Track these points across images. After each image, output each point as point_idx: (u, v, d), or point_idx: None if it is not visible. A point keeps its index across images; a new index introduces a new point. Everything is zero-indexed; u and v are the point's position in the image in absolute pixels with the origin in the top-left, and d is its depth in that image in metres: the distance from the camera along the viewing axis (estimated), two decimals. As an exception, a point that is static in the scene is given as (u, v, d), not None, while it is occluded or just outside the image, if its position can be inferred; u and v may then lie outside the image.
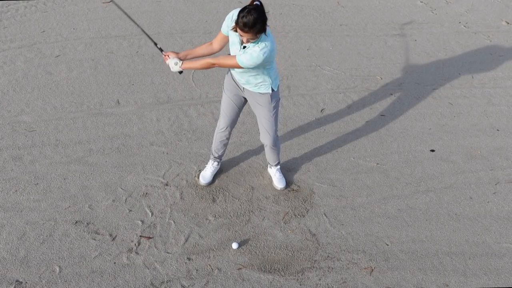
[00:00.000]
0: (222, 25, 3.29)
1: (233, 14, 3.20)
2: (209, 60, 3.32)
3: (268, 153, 3.90)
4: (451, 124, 4.85)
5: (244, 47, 3.21)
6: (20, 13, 6.07)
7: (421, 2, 6.96)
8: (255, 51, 3.11)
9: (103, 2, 6.40)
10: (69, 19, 6.02)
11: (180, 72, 3.49)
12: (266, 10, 3.10)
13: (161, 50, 3.52)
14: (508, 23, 6.55)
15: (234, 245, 3.55)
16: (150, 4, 6.44)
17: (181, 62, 3.42)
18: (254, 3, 3.07)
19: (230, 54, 3.31)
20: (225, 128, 3.78)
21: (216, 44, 3.43)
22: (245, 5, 3.11)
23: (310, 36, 5.98)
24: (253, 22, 2.98)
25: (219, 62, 3.28)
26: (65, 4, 6.33)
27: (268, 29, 3.13)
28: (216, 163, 4.02)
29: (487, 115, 4.98)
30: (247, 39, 3.08)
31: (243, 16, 3.00)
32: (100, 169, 4.10)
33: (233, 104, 3.64)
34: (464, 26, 6.46)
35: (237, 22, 3.04)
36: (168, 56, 3.44)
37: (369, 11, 6.66)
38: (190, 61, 3.42)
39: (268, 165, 4.09)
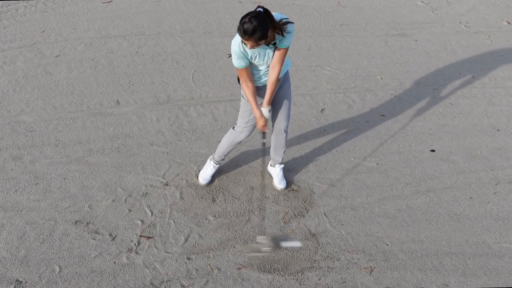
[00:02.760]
0: (237, 62, 3.26)
1: (238, 44, 3.21)
2: (274, 78, 3.36)
3: (280, 142, 3.86)
4: (451, 124, 4.84)
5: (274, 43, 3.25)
6: (20, 13, 6.07)
7: (421, 2, 6.95)
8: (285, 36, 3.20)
9: (103, 2, 6.40)
10: (69, 19, 6.02)
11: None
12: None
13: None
14: (509, 23, 6.54)
15: (295, 243, 3.56)
16: (150, 4, 6.44)
17: (270, 106, 3.51)
18: (257, 9, 3.07)
19: (256, 69, 3.38)
20: (244, 139, 3.79)
21: (251, 81, 3.40)
22: (244, 5, 3.12)
23: (310, 36, 5.98)
24: (252, 30, 2.99)
25: (279, 69, 3.33)
26: (65, 4, 6.34)
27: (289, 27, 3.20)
28: (218, 165, 4.01)
29: (487, 115, 4.98)
30: (251, 45, 3.09)
31: (243, 23, 3.01)
32: (100, 169, 4.10)
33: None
34: (465, 26, 6.45)
35: (239, 28, 3.05)
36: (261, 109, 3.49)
37: (369, 11, 6.66)
38: (269, 95, 3.47)
39: (270, 165, 4.08)
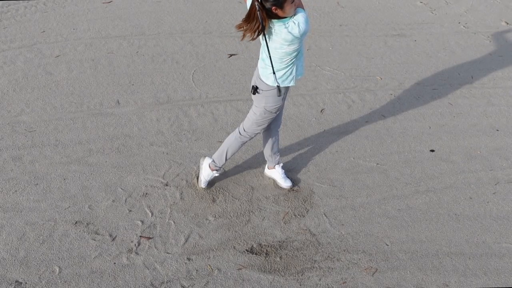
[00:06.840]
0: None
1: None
2: None
3: (276, 140, 3.87)
4: (450, 124, 4.85)
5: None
6: (20, 13, 6.07)
7: (420, 2, 6.96)
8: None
9: (103, 2, 6.40)
10: (69, 19, 6.02)
11: None
12: None
13: None
14: (507, 23, 6.55)
15: None
16: (150, 4, 6.44)
17: None
18: None
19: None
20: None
21: None
22: (244, 5, 3.15)
23: (310, 36, 5.98)
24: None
25: None
26: (65, 4, 6.34)
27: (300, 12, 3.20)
28: (222, 171, 3.97)
29: (486, 115, 4.99)
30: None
31: None
32: (100, 169, 4.10)
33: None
34: (464, 26, 6.46)
35: None
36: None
37: (369, 11, 6.67)
38: None
39: (267, 168, 4.07)
